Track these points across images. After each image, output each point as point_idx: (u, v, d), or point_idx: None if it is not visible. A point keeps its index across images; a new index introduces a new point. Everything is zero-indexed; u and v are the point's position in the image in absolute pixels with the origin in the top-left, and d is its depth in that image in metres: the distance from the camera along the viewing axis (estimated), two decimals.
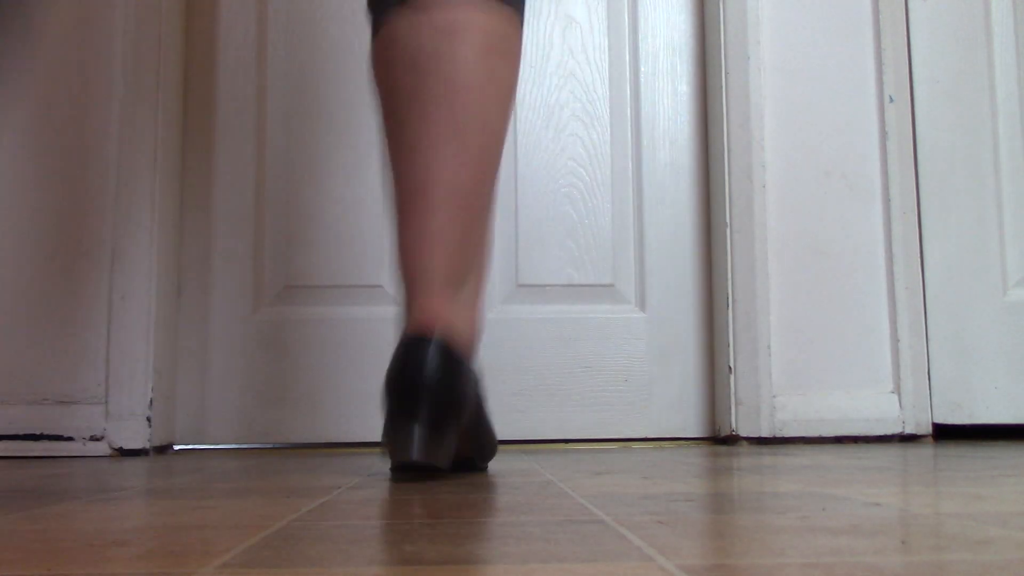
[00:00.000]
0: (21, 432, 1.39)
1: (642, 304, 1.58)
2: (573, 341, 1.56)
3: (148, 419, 1.40)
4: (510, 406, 1.53)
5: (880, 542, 0.48)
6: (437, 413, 0.83)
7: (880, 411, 1.49)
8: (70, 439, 1.39)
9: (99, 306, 1.43)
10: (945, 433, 1.51)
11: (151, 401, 1.41)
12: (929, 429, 1.50)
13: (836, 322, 1.52)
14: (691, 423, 1.56)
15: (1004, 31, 1.57)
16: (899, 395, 1.50)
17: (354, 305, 1.55)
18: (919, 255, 1.53)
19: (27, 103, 1.46)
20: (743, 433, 1.47)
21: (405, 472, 0.91)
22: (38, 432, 1.39)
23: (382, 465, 1.11)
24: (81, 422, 1.40)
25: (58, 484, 0.92)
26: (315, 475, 0.97)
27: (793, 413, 1.48)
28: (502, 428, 1.53)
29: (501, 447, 1.50)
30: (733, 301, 1.50)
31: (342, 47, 1.59)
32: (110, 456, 1.37)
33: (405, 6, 0.93)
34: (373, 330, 1.54)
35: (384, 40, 0.94)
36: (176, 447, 1.52)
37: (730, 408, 1.48)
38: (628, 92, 1.63)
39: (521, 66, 1.62)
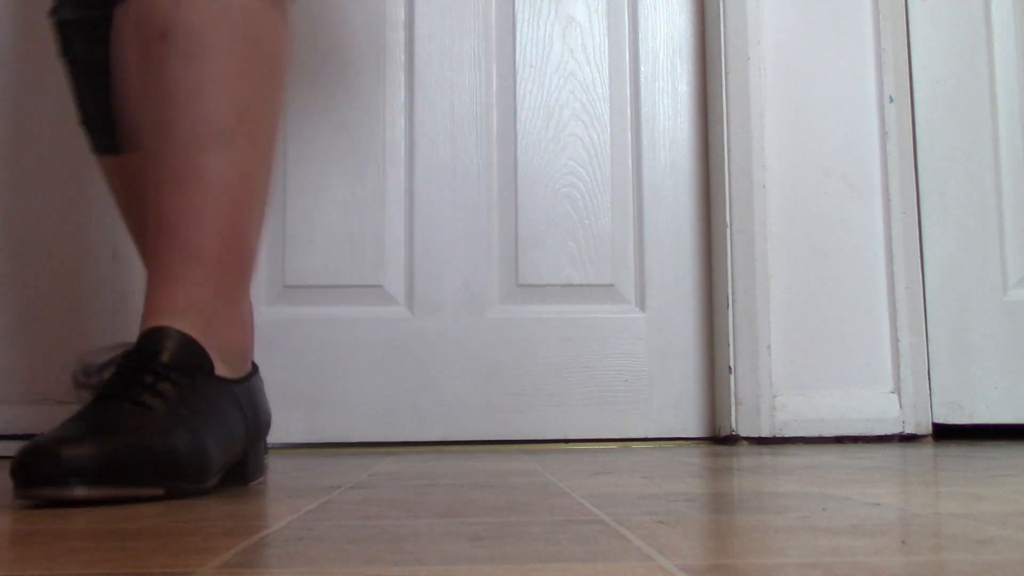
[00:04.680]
0: (21, 432, 1.38)
1: (642, 304, 1.58)
2: (573, 341, 1.56)
3: None
4: (510, 406, 1.53)
5: (880, 542, 0.48)
6: None
7: (880, 411, 1.49)
8: None
9: (99, 306, 1.43)
10: (945, 433, 1.51)
11: None
12: (929, 429, 1.50)
13: (836, 322, 1.51)
14: (691, 423, 1.56)
15: (1004, 31, 1.57)
16: (899, 395, 1.50)
17: (354, 305, 1.55)
18: (919, 255, 1.53)
19: (27, 102, 1.46)
20: (743, 433, 1.47)
21: None
22: (38, 432, 1.39)
23: (381, 465, 1.11)
24: None
25: None
26: (315, 475, 0.97)
27: (793, 413, 1.48)
28: (502, 428, 1.53)
29: (502, 447, 1.50)
30: (733, 301, 1.50)
31: (343, 46, 1.59)
32: None
33: None
34: (373, 330, 1.54)
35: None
36: None
37: (730, 408, 1.48)
38: (628, 92, 1.62)
39: (521, 66, 1.62)
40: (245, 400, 0.86)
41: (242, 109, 0.84)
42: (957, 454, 1.18)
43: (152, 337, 0.80)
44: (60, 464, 0.67)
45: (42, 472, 0.68)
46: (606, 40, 1.63)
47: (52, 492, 0.68)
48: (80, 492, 0.68)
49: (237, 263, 0.85)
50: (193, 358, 0.80)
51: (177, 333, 0.80)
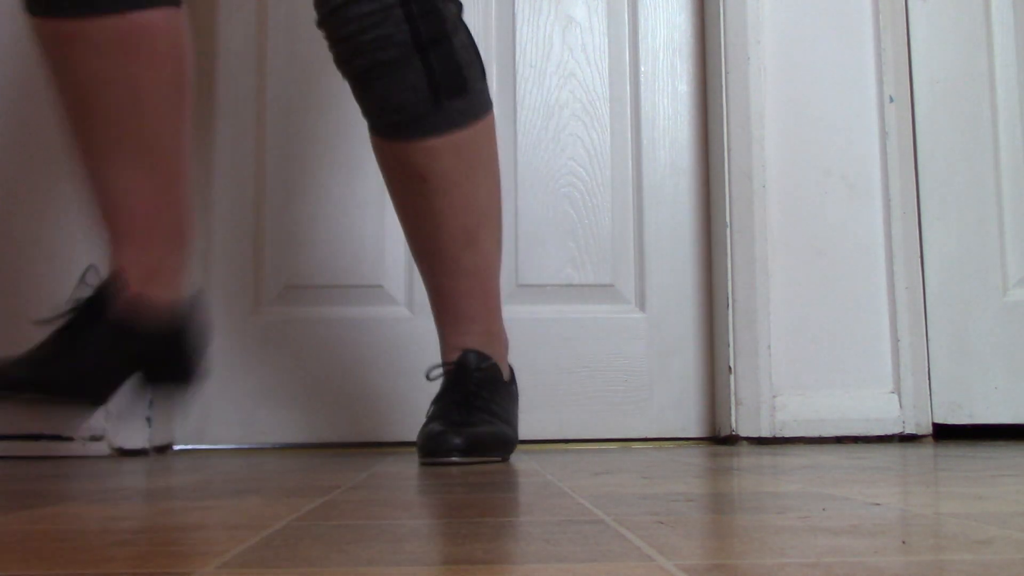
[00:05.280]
0: (21, 432, 1.38)
1: (642, 304, 1.58)
2: (573, 341, 1.56)
3: (148, 419, 1.40)
4: None
5: (880, 542, 0.48)
6: None
7: (880, 411, 1.49)
8: (70, 439, 1.39)
9: None
10: (945, 433, 1.51)
11: (151, 401, 1.41)
12: (929, 429, 1.50)
13: (836, 322, 1.51)
14: (691, 423, 1.56)
15: (1004, 31, 1.57)
16: (899, 395, 1.50)
17: (354, 305, 1.55)
18: (919, 255, 1.53)
19: (28, 102, 1.46)
20: (743, 433, 1.47)
21: None
22: (38, 432, 1.39)
23: (381, 465, 1.12)
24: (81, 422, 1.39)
25: (58, 484, 0.92)
26: (315, 475, 0.97)
27: (793, 413, 1.48)
28: None
29: None
30: (733, 301, 1.50)
31: None
32: (110, 456, 1.37)
33: None
34: (373, 330, 1.54)
35: None
36: (176, 447, 1.52)
37: (730, 408, 1.48)
38: (628, 92, 1.63)
39: (521, 66, 1.62)
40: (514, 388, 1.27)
41: (483, 213, 1.17)
42: (957, 454, 1.18)
43: (470, 359, 1.20)
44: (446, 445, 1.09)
45: (439, 449, 1.09)
46: (606, 40, 1.63)
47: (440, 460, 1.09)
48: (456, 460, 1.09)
49: (496, 311, 1.22)
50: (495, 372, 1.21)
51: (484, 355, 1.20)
